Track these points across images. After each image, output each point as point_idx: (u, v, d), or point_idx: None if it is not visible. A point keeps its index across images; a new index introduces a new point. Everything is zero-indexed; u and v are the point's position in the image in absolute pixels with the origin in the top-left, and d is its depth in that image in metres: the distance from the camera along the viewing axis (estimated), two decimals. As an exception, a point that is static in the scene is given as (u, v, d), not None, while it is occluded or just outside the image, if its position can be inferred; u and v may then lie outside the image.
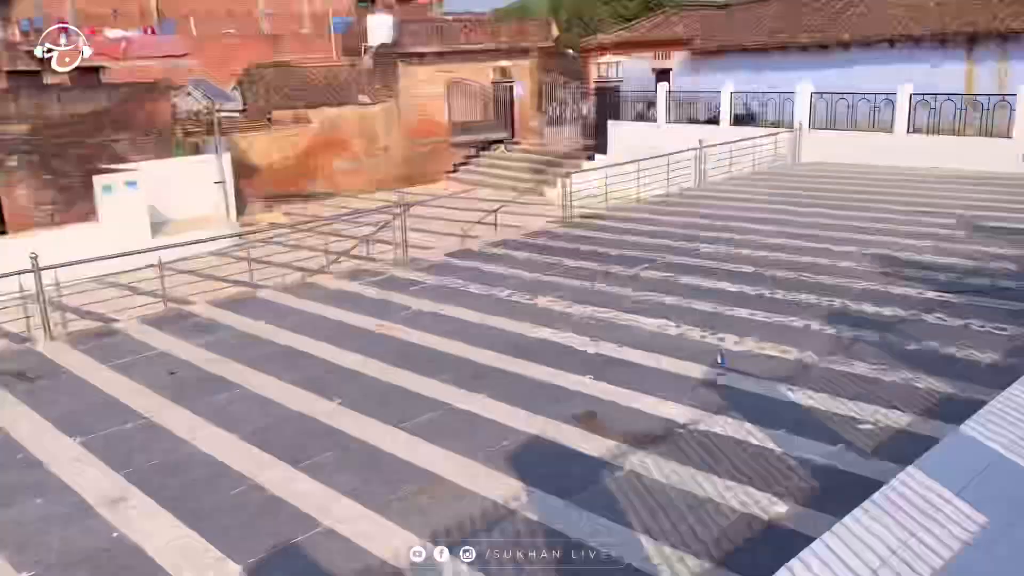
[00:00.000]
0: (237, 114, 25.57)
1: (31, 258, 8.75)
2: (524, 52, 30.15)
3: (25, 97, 22.36)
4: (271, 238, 18.37)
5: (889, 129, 18.23)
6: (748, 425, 5.71)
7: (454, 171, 28.91)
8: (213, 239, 14.17)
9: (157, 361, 7.87)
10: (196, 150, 22.86)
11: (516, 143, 29.92)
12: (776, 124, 20.35)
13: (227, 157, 21.86)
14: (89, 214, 18.75)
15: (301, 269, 13.40)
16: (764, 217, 12.99)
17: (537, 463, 5.38)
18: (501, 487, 5.07)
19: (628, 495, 4.91)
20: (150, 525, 4.90)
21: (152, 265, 10.86)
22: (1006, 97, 17.12)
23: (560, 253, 11.42)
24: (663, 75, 26.08)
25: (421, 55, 28.01)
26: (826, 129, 19.41)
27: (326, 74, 28.46)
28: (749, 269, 9.90)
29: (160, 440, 6.09)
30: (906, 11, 21.75)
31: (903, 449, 4.97)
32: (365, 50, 29.73)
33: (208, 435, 6.11)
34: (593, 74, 28.99)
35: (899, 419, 5.67)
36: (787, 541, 4.11)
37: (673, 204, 15.24)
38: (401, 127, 28.02)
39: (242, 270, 13.49)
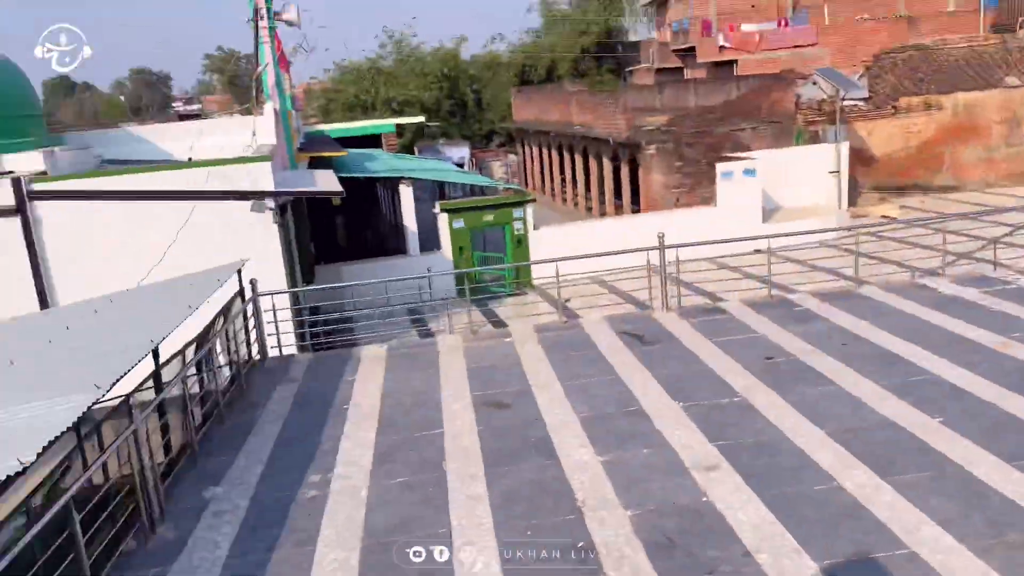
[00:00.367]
0: (861, 102, 24.83)
1: (658, 236, 9.90)
2: None
3: (668, 91, 25.26)
4: (882, 232, 17.53)
5: None
6: None
7: None
8: (823, 231, 14.13)
9: (756, 343, 8.22)
10: (815, 139, 23.01)
11: None
12: None
13: (845, 146, 21.52)
14: (709, 198, 20.45)
15: (911, 268, 12.53)
16: None
17: None
18: None
19: None
20: (734, 498, 5.19)
21: (760, 251, 11.33)
22: None
23: None
24: None
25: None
26: None
27: (968, 54, 25.66)
28: None
29: (752, 420, 6.38)
30: None
31: None
32: (1022, 24, 25.92)
33: (795, 424, 6.20)
34: None
35: None
36: None
37: None
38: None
39: (847, 263, 13.17)
